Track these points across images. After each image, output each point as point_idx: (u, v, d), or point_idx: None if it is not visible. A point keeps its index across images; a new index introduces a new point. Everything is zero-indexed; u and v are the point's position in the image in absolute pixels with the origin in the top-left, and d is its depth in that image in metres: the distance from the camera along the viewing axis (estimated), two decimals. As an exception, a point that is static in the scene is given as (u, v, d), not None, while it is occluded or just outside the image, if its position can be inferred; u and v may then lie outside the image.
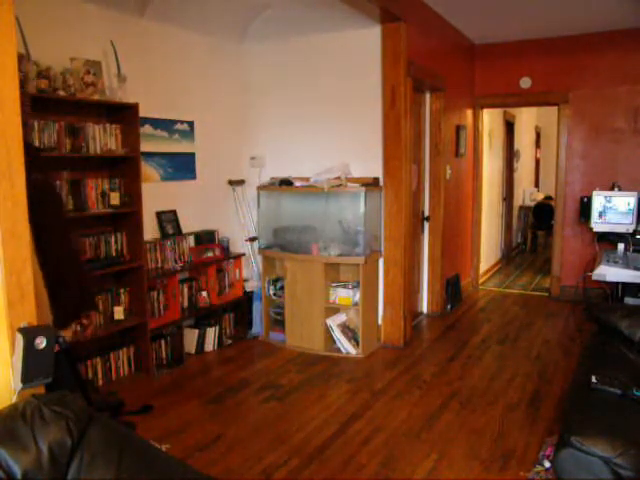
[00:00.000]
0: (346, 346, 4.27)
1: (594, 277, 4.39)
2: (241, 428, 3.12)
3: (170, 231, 4.20)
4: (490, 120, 6.86)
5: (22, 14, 2.83)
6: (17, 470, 1.45)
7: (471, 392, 3.58)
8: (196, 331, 4.30)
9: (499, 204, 7.78)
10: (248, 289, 4.85)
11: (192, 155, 4.46)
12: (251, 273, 5.02)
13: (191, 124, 4.43)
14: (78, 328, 1.91)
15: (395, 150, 4.29)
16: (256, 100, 4.98)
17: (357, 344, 4.31)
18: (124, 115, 3.63)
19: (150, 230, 4.04)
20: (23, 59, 2.98)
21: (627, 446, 1.91)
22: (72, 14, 3.49)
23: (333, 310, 4.37)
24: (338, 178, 4.31)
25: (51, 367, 1.83)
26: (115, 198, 3.61)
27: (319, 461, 2.77)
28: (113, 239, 3.70)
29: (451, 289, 5.56)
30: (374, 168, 4.44)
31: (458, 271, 5.87)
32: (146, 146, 3.90)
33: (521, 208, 9.17)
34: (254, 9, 4.46)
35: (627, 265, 4.34)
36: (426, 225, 5.30)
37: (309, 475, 2.65)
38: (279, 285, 4.60)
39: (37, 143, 3.13)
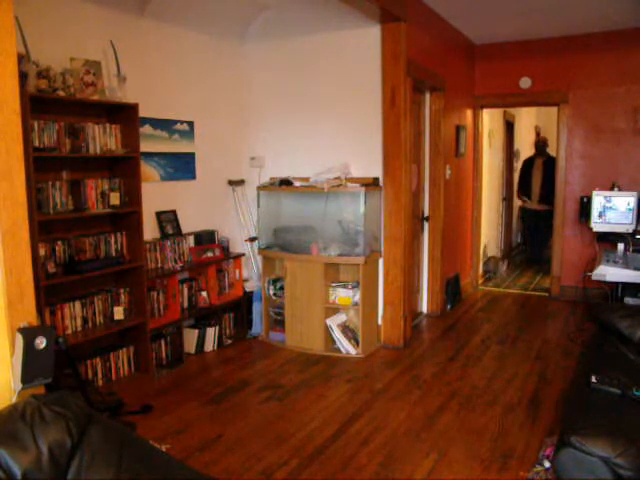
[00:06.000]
0: (346, 346, 4.27)
1: (594, 277, 4.39)
2: (241, 428, 3.12)
3: (170, 231, 4.20)
4: (490, 120, 6.86)
5: (22, 14, 2.83)
6: (17, 470, 1.45)
7: (471, 392, 3.58)
8: (196, 331, 4.30)
9: (499, 204, 7.78)
10: (248, 289, 4.85)
11: (192, 155, 4.46)
12: (251, 273, 5.01)
13: (191, 124, 4.42)
14: None
15: (395, 150, 4.29)
16: (256, 100, 4.98)
17: (357, 344, 4.31)
18: (124, 115, 3.63)
19: (150, 230, 4.04)
20: (23, 59, 2.98)
21: (627, 446, 1.91)
22: (72, 14, 3.49)
23: (333, 310, 4.37)
24: (338, 178, 4.31)
25: (51, 367, 1.83)
26: (115, 198, 3.61)
27: (319, 461, 2.77)
28: (113, 239, 3.69)
29: (451, 289, 5.56)
30: (374, 168, 4.44)
31: (458, 271, 5.87)
32: (146, 146, 3.90)
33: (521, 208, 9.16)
34: (254, 9, 4.46)
35: (627, 265, 4.34)
36: (426, 225, 5.30)
37: (309, 475, 2.65)
38: (279, 285, 4.60)
39: (37, 143, 3.13)
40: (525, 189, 7.55)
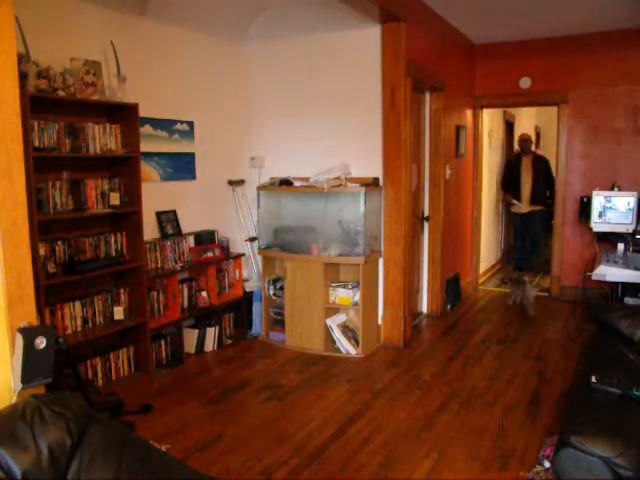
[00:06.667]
0: (346, 346, 4.27)
1: (594, 277, 4.39)
2: (241, 428, 3.12)
3: (170, 231, 4.20)
4: (490, 120, 6.86)
5: (22, 14, 2.83)
6: (17, 470, 1.45)
7: (471, 392, 3.58)
8: (196, 331, 4.30)
9: (499, 204, 7.78)
10: (248, 289, 4.85)
11: (192, 155, 4.46)
12: (251, 273, 5.01)
13: (191, 124, 4.42)
14: None
15: (395, 150, 4.29)
16: (256, 100, 4.98)
17: (357, 344, 4.31)
18: (124, 115, 3.63)
19: (150, 230, 4.04)
20: (23, 59, 2.98)
21: (627, 446, 1.91)
22: (72, 14, 3.49)
23: (333, 310, 4.37)
24: (338, 178, 4.31)
25: (51, 367, 1.83)
26: (115, 198, 3.61)
27: (319, 461, 2.77)
28: (113, 239, 3.69)
29: (451, 289, 5.56)
30: (374, 168, 4.44)
31: (458, 271, 5.87)
32: (146, 146, 3.90)
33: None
34: (254, 9, 4.46)
35: (627, 265, 4.34)
36: (426, 225, 5.29)
37: (309, 475, 2.65)
38: (279, 285, 4.60)
39: (37, 143, 3.13)
40: (513, 191, 7.09)
